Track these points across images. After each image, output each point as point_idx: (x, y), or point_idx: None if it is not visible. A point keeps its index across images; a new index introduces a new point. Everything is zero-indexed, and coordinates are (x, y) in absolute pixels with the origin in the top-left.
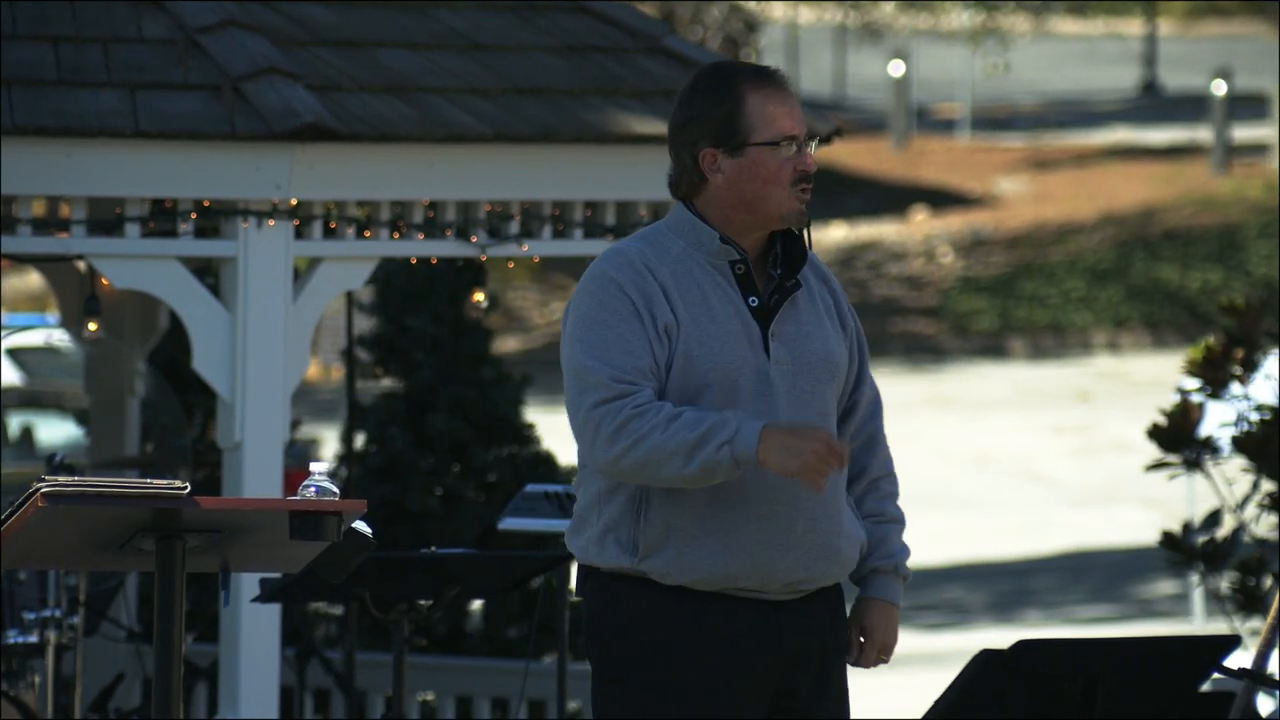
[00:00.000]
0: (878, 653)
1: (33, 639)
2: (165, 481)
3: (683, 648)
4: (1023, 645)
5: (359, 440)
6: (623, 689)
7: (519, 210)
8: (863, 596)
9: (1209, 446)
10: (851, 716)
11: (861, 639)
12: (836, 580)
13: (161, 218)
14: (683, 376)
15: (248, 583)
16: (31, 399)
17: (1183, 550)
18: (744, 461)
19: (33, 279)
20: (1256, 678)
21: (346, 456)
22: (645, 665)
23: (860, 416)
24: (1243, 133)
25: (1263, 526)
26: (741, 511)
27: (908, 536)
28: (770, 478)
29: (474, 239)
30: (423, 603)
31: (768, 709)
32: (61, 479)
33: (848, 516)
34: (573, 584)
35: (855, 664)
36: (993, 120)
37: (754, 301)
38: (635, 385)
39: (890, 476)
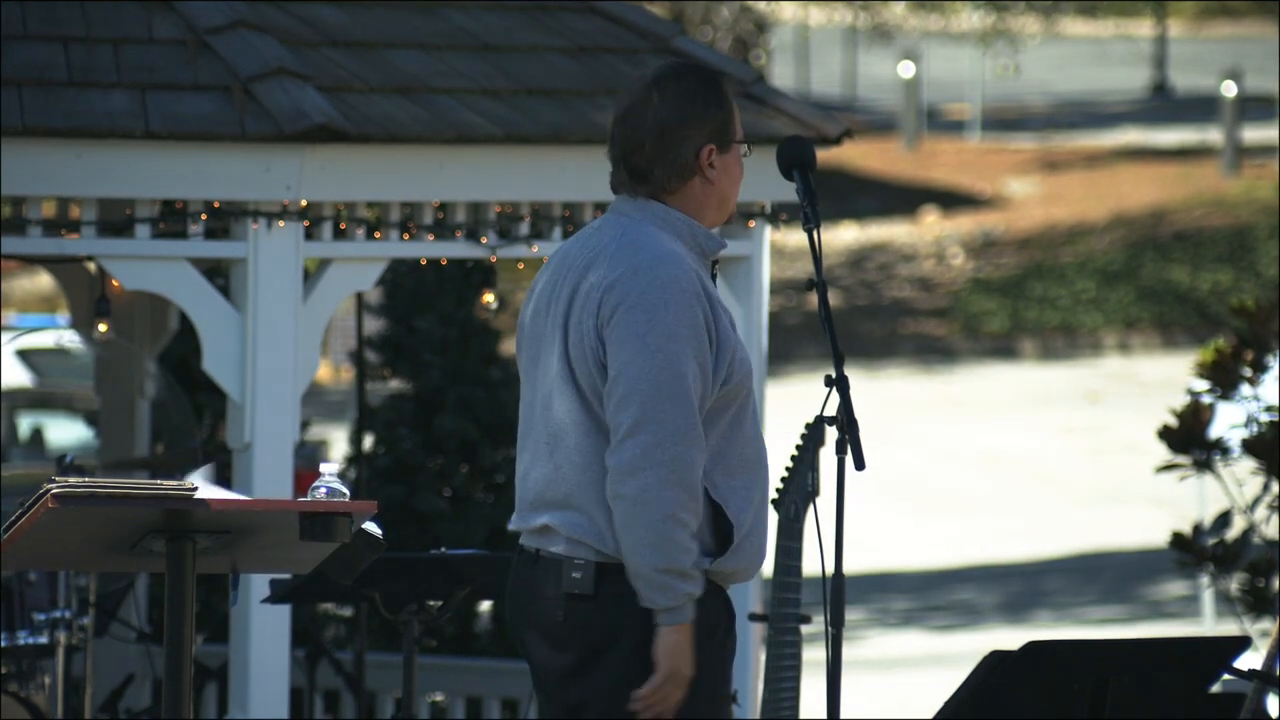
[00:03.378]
0: None
1: (43, 640)
2: (176, 483)
3: (727, 639)
4: (1033, 646)
5: (368, 441)
6: (700, 683)
7: (529, 211)
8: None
9: (1219, 448)
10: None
11: None
12: None
13: (172, 219)
14: (740, 382)
15: (258, 584)
16: (42, 400)
17: (1193, 551)
18: (675, 618)
19: (43, 280)
20: (1266, 679)
21: (356, 457)
22: (704, 660)
23: None
24: (1253, 134)
25: (1273, 528)
26: (765, 502)
27: (918, 536)
28: (762, 474)
29: (484, 240)
30: (432, 603)
31: None
32: (72, 480)
33: None
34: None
35: None
36: (1003, 121)
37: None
38: (701, 431)
39: None
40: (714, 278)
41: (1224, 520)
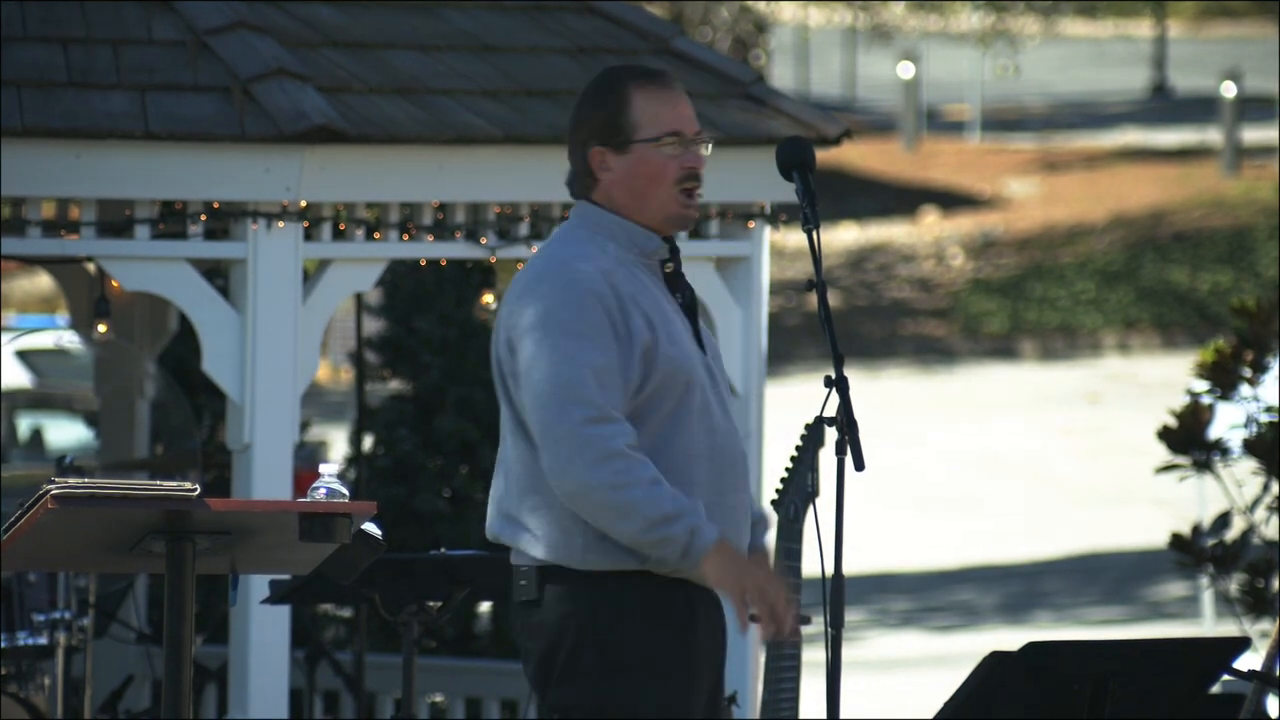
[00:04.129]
0: None
1: (42, 641)
2: (175, 484)
3: (686, 634)
4: (1033, 647)
5: (368, 442)
6: (635, 682)
7: (529, 212)
8: None
9: (1219, 448)
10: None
11: None
12: None
13: (171, 219)
14: (664, 374)
15: (257, 584)
16: (41, 401)
17: (1192, 552)
18: (694, 554)
19: (43, 281)
20: (1266, 679)
21: (355, 458)
22: (659, 655)
23: None
24: (1252, 134)
25: (1272, 529)
26: (723, 500)
27: (918, 537)
28: (738, 466)
29: (484, 241)
30: (432, 604)
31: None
32: (71, 481)
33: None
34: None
35: None
36: (1003, 122)
37: (680, 299)
38: (619, 417)
39: None
40: (671, 276)
41: (1223, 521)
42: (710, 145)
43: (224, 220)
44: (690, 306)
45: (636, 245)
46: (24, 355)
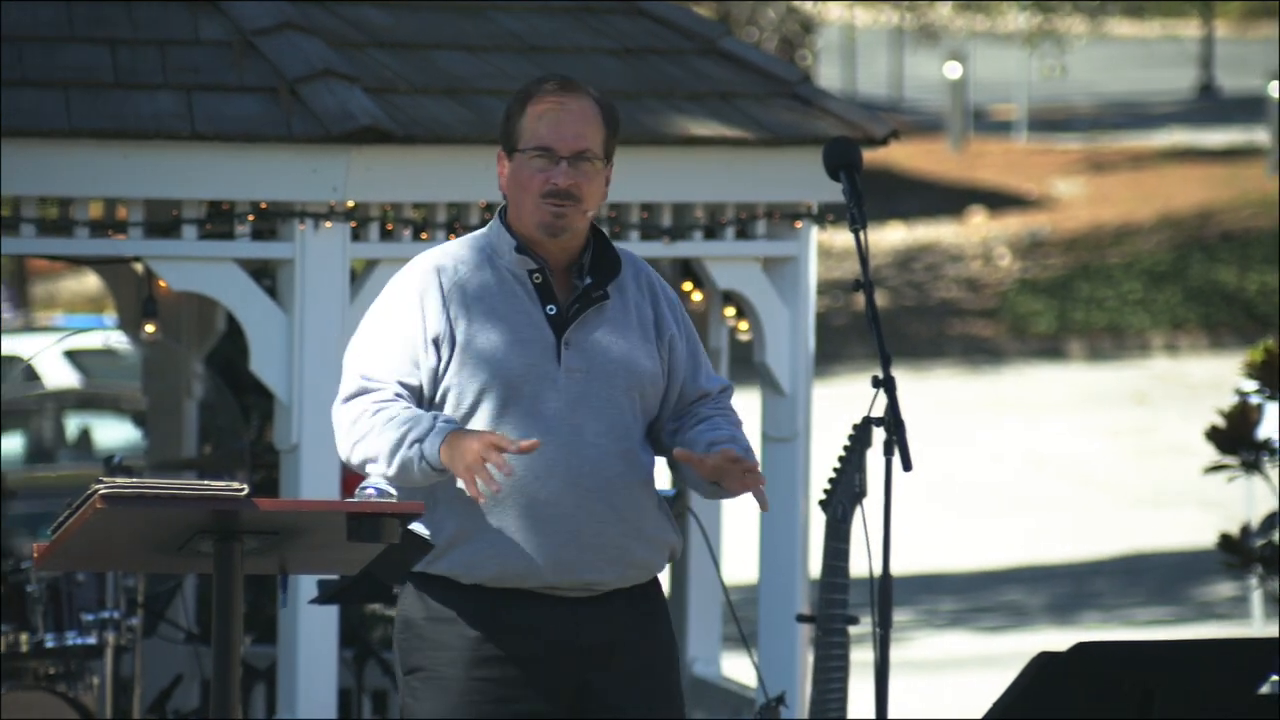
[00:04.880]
0: (741, 473)
1: (91, 640)
2: (224, 483)
3: (478, 640)
4: (1081, 648)
5: None
6: (422, 682)
7: None
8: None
9: (1267, 448)
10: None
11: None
12: (635, 582)
13: (218, 220)
14: (460, 380)
15: (305, 584)
16: (89, 401)
17: (1241, 553)
18: (433, 462)
19: (91, 281)
20: None
21: None
22: (443, 656)
23: (707, 406)
24: None
25: None
26: (526, 512)
27: (966, 537)
28: (555, 480)
29: None
30: None
31: (568, 708)
32: (120, 481)
33: (651, 519)
34: None
35: (733, 492)
36: (1050, 122)
37: (551, 310)
38: (381, 382)
39: (734, 438)
40: (538, 287)
41: (1272, 521)
42: (588, 168)
43: (271, 220)
44: (570, 318)
45: (501, 253)
46: (72, 355)
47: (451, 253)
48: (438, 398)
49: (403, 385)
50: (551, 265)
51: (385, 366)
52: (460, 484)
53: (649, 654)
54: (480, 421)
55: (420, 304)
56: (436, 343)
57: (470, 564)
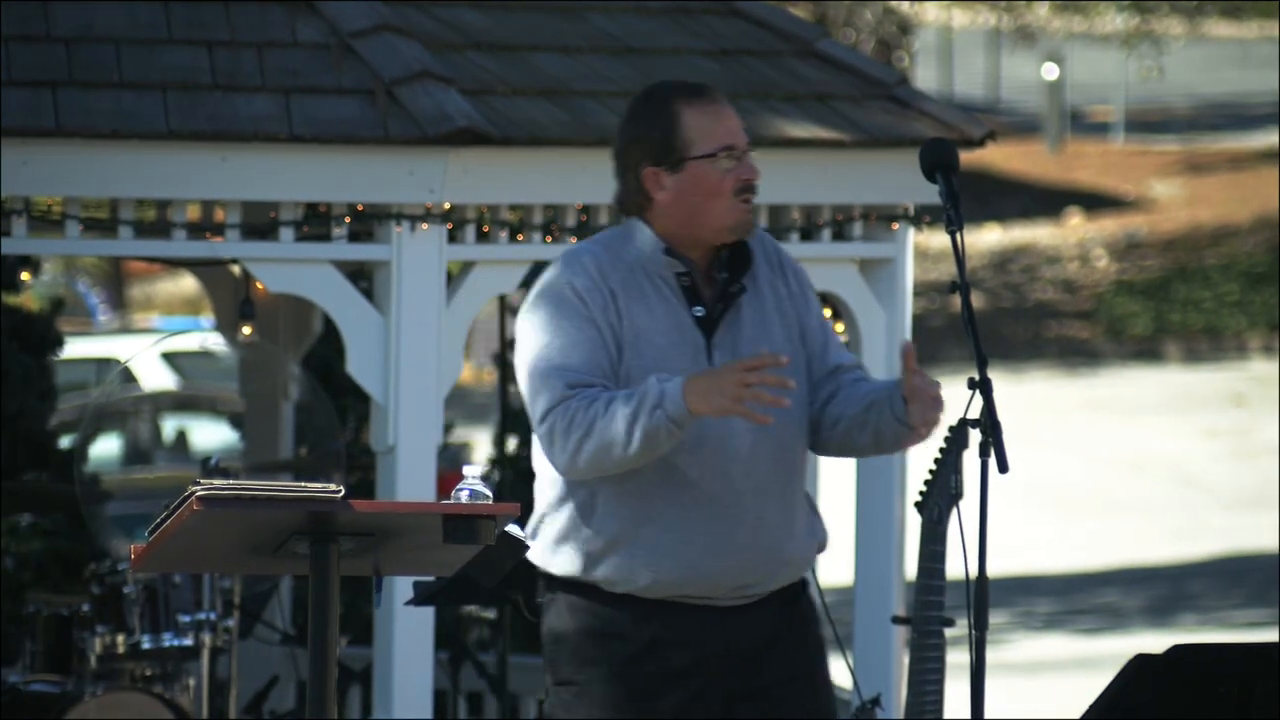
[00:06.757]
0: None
1: (188, 642)
2: (320, 485)
3: (628, 655)
4: (1178, 650)
5: (511, 443)
6: (566, 695)
7: None
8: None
9: None
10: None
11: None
12: (789, 580)
13: (315, 222)
14: (623, 386)
15: (401, 586)
16: (186, 403)
17: None
18: (678, 419)
19: (188, 283)
20: None
21: (499, 460)
22: (587, 674)
23: (848, 380)
24: None
25: None
26: (682, 519)
27: (1062, 539)
28: (713, 484)
29: None
30: None
31: (721, 713)
32: (216, 482)
33: (803, 514)
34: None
35: (914, 426)
36: (1147, 123)
37: (699, 311)
38: (586, 384)
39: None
40: (686, 290)
41: None
42: (750, 156)
43: (368, 222)
44: (713, 319)
45: (648, 256)
46: (169, 357)
47: (602, 255)
48: None
49: (604, 386)
50: (699, 267)
51: (582, 368)
52: (617, 487)
53: (800, 655)
54: None
55: (596, 302)
56: (615, 343)
57: (625, 572)
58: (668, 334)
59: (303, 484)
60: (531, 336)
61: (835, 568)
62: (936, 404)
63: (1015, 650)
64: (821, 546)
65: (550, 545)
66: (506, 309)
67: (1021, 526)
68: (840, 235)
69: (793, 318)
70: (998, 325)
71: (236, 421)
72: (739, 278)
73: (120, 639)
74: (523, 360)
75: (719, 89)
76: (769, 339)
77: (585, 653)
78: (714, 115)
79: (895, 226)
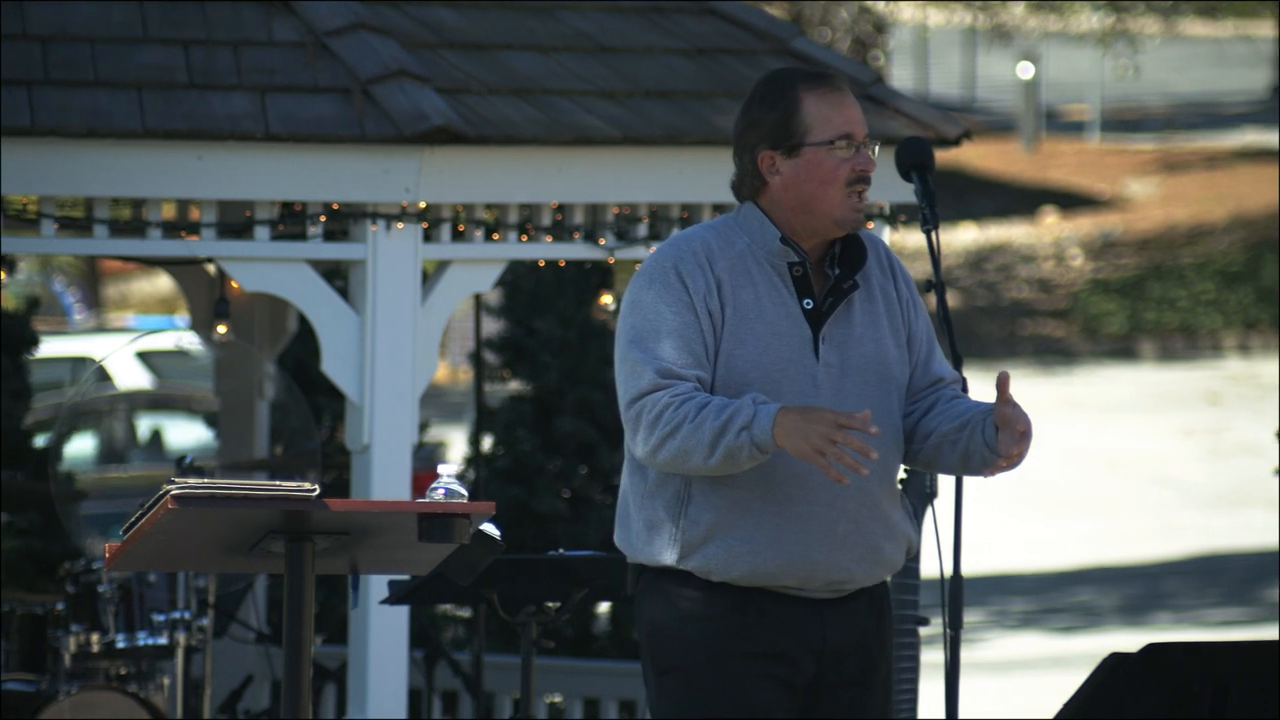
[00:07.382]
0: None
1: (162, 641)
2: (295, 484)
3: (724, 643)
4: (1152, 649)
5: (487, 443)
6: (669, 683)
7: (647, 213)
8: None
9: None
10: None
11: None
12: (880, 579)
13: (291, 221)
14: (724, 373)
15: (376, 585)
16: (162, 402)
17: None
18: (763, 445)
19: (163, 282)
20: None
21: (474, 459)
22: (689, 660)
23: (946, 395)
24: None
25: None
26: (781, 510)
27: (1037, 538)
28: (813, 478)
29: (602, 242)
30: (550, 605)
31: (802, 706)
32: (191, 481)
33: (898, 514)
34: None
35: (1003, 455)
36: (1122, 122)
37: (808, 304)
38: (679, 376)
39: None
40: (797, 280)
41: None
42: (878, 148)
43: (343, 221)
44: (825, 312)
45: (763, 243)
46: (144, 356)
47: (712, 240)
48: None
49: (698, 379)
50: (811, 259)
51: (677, 358)
52: (713, 480)
53: (880, 653)
54: None
55: (699, 288)
56: (713, 330)
57: (723, 561)
58: (774, 324)
59: (278, 483)
60: (629, 317)
61: None
62: (1025, 438)
63: (990, 649)
64: (910, 549)
65: (643, 535)
66: (482, 308)
67: (996, 525)
68: None
69: (901, 322)
70: (973, 324)
71: (212, 420)
72: (852, 274)
73: (95, 638)
74: (620, 338)
75: (842, 80)
76: (878, 339)
77: (690, 637)
78: (835, 103)
79: (870, 225)
